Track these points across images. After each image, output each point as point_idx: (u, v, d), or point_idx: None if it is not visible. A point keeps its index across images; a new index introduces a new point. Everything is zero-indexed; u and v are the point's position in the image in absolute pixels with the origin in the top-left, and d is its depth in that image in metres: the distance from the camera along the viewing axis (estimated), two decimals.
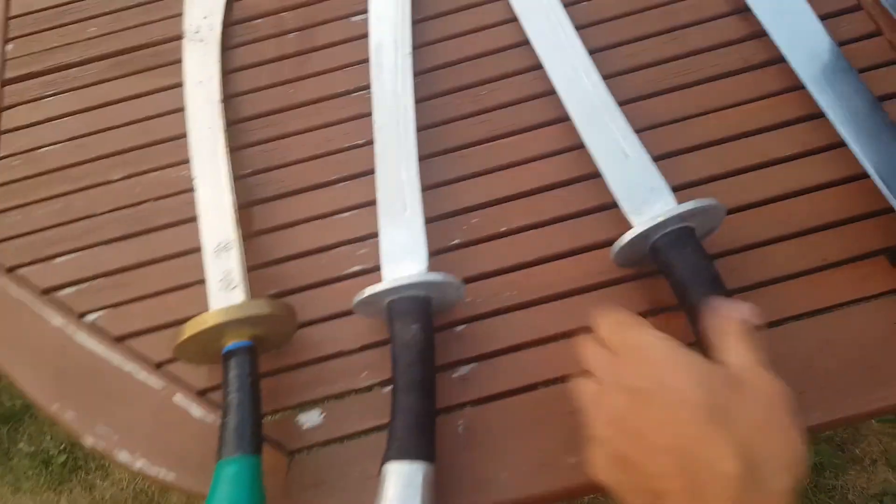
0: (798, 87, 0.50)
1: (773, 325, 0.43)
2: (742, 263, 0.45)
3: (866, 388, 0.40)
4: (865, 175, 0.46)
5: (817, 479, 0.96)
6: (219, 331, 0.40)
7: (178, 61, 0.58)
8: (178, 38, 0.60)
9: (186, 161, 0.52)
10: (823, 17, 0.52)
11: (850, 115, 0.48)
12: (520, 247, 0.47)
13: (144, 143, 0.55)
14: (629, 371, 0.32)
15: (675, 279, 0.41)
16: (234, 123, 0.55)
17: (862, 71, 0.50)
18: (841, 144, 0.47)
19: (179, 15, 0.61)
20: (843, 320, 0.43)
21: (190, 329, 0.40)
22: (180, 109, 0.55)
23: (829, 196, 0.47)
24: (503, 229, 0.48)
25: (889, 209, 0.44)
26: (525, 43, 0.55)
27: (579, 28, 0.53)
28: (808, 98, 0.49)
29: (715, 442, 0.28)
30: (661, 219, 0.40)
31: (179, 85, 0.56)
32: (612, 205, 0.46)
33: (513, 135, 0.52)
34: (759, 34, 0.52)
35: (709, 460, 0.28)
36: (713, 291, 0.39)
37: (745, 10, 0.54)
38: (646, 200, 0.44)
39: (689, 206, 0.41)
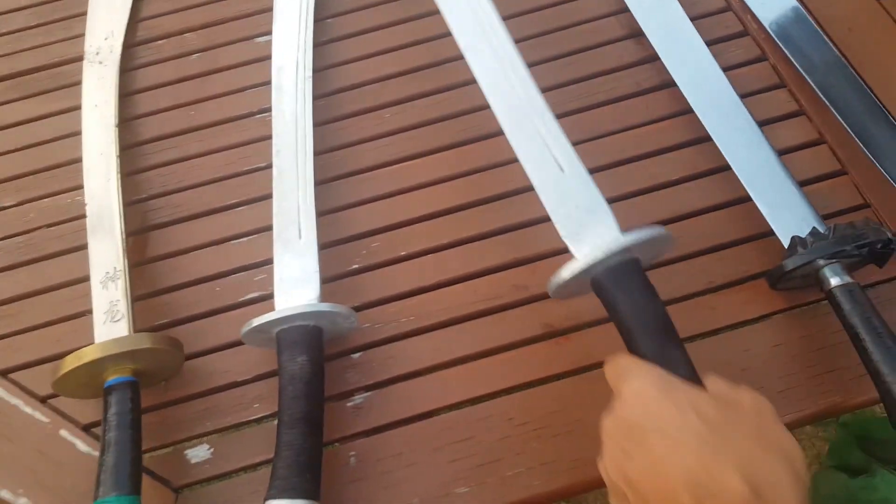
0: (687, 110, 0.51)
1: None
2: None
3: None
4: (748, 198, 0.47)
5: None
6: (98, 366, 0.39)
7: (79, 83, 0.56)
8: (79, 59, 0.58)
9: (81, 187, 0.50)
10: (711, 43, 0.54)
11: (733, 138, 0.50)
12: (418, 271, 0.47)
13: (39, 168, 0.53)
14: (627, 415, 0.31)
15: (621, 323, 0.36)
16: (132, 146, 0.54)
17: (745, 96, 0.52)
18: (726, 168, 0.49)
19: (81, 36, 0.59)
20: (728, 342, 0.44)
21: (67, 364, 0.39)
22: (77, 133, 0.53)
23: (715, 219, 0.48)
24: (402, 253, 0.48)
25: (769, 232, 0.46)
26: (433, 65, 0.55)
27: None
28: (697, 121, 0.50)
29: (719, 466, 0.28)
30: (602, 252, 0.36)
31: (77, 108, 0.55)
32: (510, 228, 0.47)
33: (414, 158, 0.52)
34: (653, 58, 0.54)
35: (717, 486, 0.28)
36: (665, 342, 0.35)
37: (640, 35, 0.55)
38: (584, 224, 0.39)
39: (636, 235, 0.37)
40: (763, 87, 0.53)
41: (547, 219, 0.40)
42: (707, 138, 0.50)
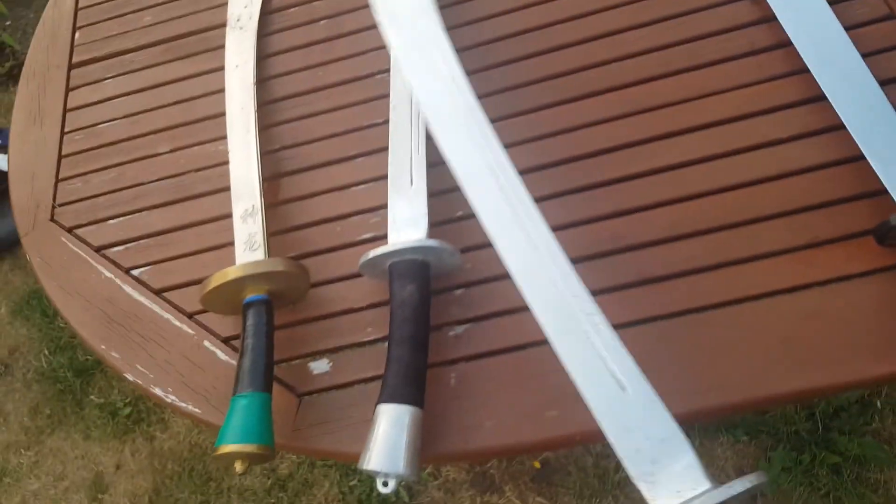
0: (803, 69, 0.50)
1: (759, 297, 0.44)
2: (735, 237, 0.46)
3: (837, 361, 0.41)
4: (861, 156, 0.46)
5: (859, 472, 0.91)
6: (239, 284, 0.45)
7: (222, 47, 0.63)
8: (223, 25, 0.65)
9: (224, 137, 0.57)
10: (837, 1, 0.52)
11: (850, 97, 0.48)
12: None
13: (189, 121, 0.60)
14: None
15: None
16: (267, 104, 0.59)
17: (868, 55, 0.50)
18: (840, 127, 0.47)
19: (224, 4, 0.66)
20: (826, 296, 0.43)
21: (214, 281, 0.44)
22: (221, 91, 0.60)
23: (826, 176, 0.47)
24: None
25: (883, 190, 0.44)
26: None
27: None
28: (812, 81, 0.49)
29: None
30: None
31: (221, 68, 0.61)
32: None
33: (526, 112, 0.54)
34: (769, 18, 0.53)
35: None
36: None
37: None
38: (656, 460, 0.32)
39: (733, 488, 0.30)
40: (888, 46, 0.50)
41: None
42: (822, 97, 0.49)
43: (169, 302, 0.51)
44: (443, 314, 0.46)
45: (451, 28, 0.54)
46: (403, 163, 0.51)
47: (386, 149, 0.53)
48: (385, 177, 0.52)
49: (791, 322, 0.43)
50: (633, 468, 0.32)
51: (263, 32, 0.64)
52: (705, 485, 0.31)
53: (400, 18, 0.53)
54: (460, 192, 0.51)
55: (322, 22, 0.63)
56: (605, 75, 0.54)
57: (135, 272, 0.53)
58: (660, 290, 0.45)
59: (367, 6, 0.62)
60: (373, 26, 0.61)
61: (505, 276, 0.47)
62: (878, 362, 0.41)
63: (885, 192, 0.44)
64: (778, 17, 0.52)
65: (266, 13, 0.65)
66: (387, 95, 0.56)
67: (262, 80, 0.61)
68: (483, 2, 0.60)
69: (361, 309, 0.48)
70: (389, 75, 0.56)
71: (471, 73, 0.49)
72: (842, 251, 0.44)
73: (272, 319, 0.45)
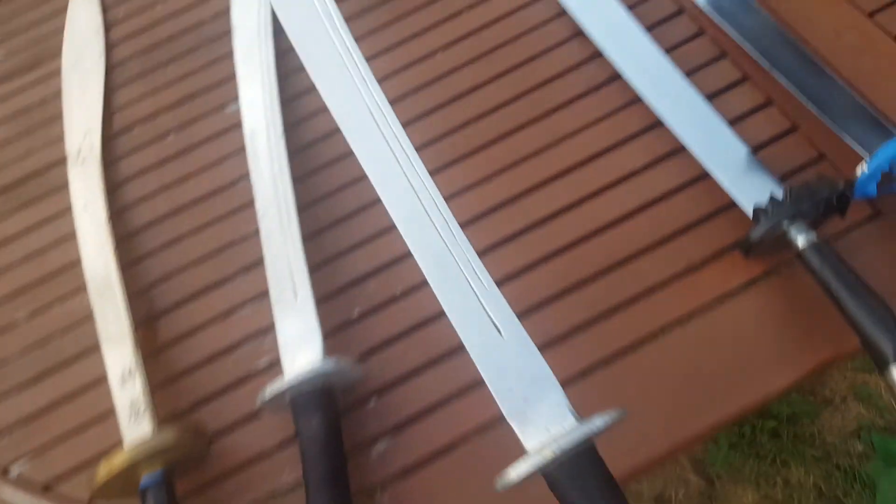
0: (636, 99, 0.46)
1: (657, 335, 0.39)
2: (619, 280, 0.41)
3: (740, 383, 0.38)
4: (707, 174, 0.42)
5: (794, 430, 0.85)
6: (130, 468, 0.35)
7: (66, 185, 0.51)
8: (63, 160, 0.53)
9: (84, 288, 0.46)
10: (650, 28, 0.48)
11: (684, 118, 0.44)
12: (417, 305, 0.43)
13: (43, 276, 0.49)
14: None
15: None
16: (127, 237, 0.49)
17: (690, 73, 0.46)
18: (682, 149, 0.44)
19: (61, 138, 0.54)
20: (717, 320, 0.39)
21: (101, 477, 0.35)
22: (73, 235, 0.49)
23: (683, 199, 0.43)
24: (398, 291, 0.44)
25: (731, 204, 0.41)
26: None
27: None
28: (648, 108, 0.45)
29: None
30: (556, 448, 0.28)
31: (69, 210, 0.50)
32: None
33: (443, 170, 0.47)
34: (596, 55, 0.48)
35: None
36: None
37: (580, 34, 0.49)
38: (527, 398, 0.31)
39: (596, 423, 0.30)
40: (706, 61, 0.47)
41: None
42: (659, 123, 0.45)
43: (60, 497, 0.40)
44: (360, 432, 0.39)
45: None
46: (282, 274, 0.43)
47: (260, 264, 0.45)
48: (267, 292, 0.44)
49: (689, 355, 0.38)
50: (506, 406, 0.31)
51: (109, 159, 0.53)
52: (571, 420, 0.30)
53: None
54: (351, 290, 0.44)
55: (170, 137, 0.53)
56: (460, 141, 0.48)
57: (12, 471, 0.41)
58: (562, 351, 0.40)
59: (214, 110, 0.54)
60: (225, 130, 0.52)
61: (418, 369, 0.41)
62: (780, 373, 0.37)
63: (735, 204, 0.41)
64: (604, 53, 0.48)
65: (109, 138, 0.54)
66: (252, 203, 0.47)
67: (117, 212, 0.50)
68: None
69: (273, 450, 0.39)
70: (251, 180, 0.48)
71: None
72: (716, 271, 0.41)
73: (173, 496, 0.35)
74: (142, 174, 0.52)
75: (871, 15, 0.47)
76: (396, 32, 0.53)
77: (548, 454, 0.28)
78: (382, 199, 0.39)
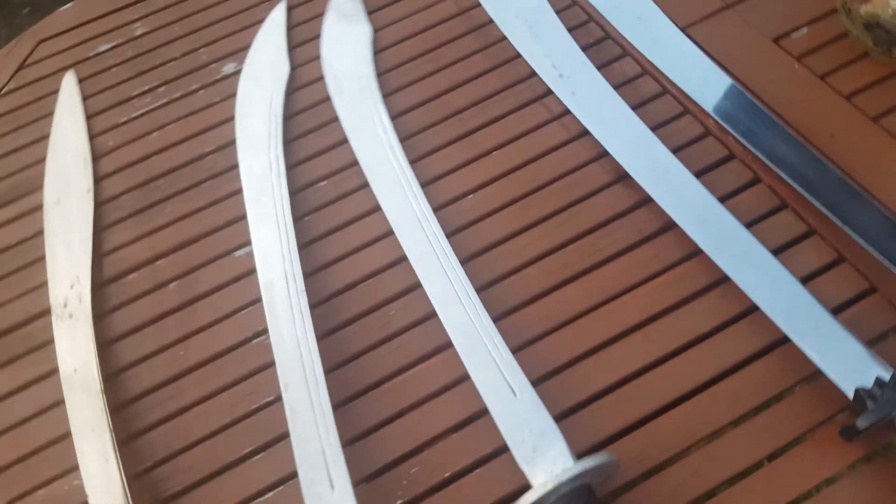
0: (697, 251, 0.48)
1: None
2: (699, 464, 0.41)
3: None
4: (785, 340, 0.44)
5: None
6: None
7: (51, 341, 0.51)
8: (47, 312, 0.52)
9: (77, 467, 0.44)
10: (700, 173, 0.51)
11: (754, 275, 0.46)
12: (470, 492, 0.42)
13: (27, 453, 0.47)
14: None
15: None
16: (124, 405, 0.48)
17: (750, 224, 0.49)
18: (753, 308, 0.45)
19: (44, 284, 0.54)
20: None
21: None
22: (61, 401, 0.47)
23: (756, 370, 0.44)
24: (446, 474, 0.43)
25: (816, 373, 0.42)
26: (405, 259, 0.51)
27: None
28: (709, 261, 0.47)
29: None
30: (555, 482, 0.37)
31: (55, 371, 0.49)
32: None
33: (433, 355, 0.47)
34: (646, 200, 0.51)
35: None
36: None
37: (627, 177, 0.52)
38: (536, 447, 0.40)
39: (587, 463, 0.38)
40: (766, 212, 0.50)
41: None
42: (725, 278, 0.47)
43: None
44: None
45: None
46: (314, 457, 0.42)
47: (287, 435, 0.44)
48: (295, 474, 0.42)
49: None
50: (519, 454, 0.41)
51: (101, 312, 0.52)
52: (570, 462, 0.39)
53: None
54: (391, 473, 0.43)
55: (171, 286, 0.53)
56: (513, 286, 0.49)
57: None
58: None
59: (222, 255, 0.54)
60: (236, 278, 0.53)
61: None
62: None
63: (819, 373, 0.42)
64: (654, 198, 0.51)
65: (99, 286, 0.54)
66: (272, 363, 0.47)
67: (112, 375, 0.49)
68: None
69: None
70: (269, 338, 0.47)
71: None
72: (811, 453, 0.41)
73: None
74: (138, 331, 0.52)
75: None
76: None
77: (548, 486, 0.37)
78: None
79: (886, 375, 0.40)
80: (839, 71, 0.56)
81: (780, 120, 0.53)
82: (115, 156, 0.62)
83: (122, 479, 0.42)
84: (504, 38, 0.61)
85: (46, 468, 0.46)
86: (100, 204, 0.58)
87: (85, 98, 0.66)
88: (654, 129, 0.53)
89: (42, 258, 0.56)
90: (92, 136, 0.63)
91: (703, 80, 0.57)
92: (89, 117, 0.65)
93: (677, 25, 0.60)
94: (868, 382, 0.40)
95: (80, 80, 0.67)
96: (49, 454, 0.47)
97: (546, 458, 0.39)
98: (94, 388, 0.47)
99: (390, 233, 0.52)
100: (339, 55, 0.64)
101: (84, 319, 0.51)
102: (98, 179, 0.60)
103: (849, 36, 0.57)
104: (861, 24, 0.54)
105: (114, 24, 0.71)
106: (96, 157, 0.62)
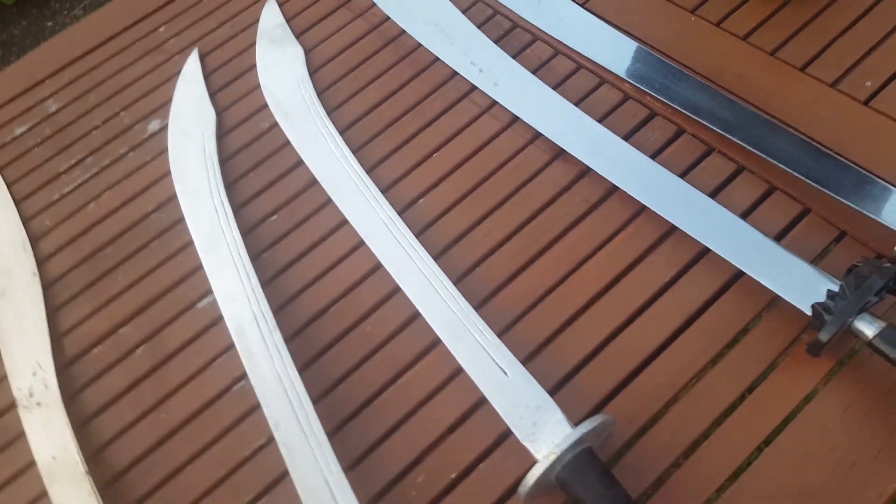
0: (641, 209, 0.50)
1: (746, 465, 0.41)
2: (690, 408, 0.43)
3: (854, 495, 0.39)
4: (741, 274, 0.46)
5: None
6: None
7: (23, 434, 0.48)
8: (12, 406, 0.50)
9: None
10: (628, 135, 0.53)
11: (699, 220, 0.48)
12: (479, 486, 0.42)
13: None
14: None
15: None
16: (112, 482, 0.46)
17: (684, 174, 0.51)
18: (706, 251, 0.47)
19: (3, 378, 0.51)
20: (802, 430, 0.41)
21: None
22: (43, 494, 0.45)
23: (721, 308, 0.46)
24: (453, 475, 0.43)
25: (775, 299, 0.44)
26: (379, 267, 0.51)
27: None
28: (655, 216, 0.49)
29: None
30: (558, 451, 0.38)
31: (32, 465, 0.47)
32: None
33: (415, 362, 0.47)
34: (585, 171, 0.53)
35: None
36: None
37: (563, 153, 0.54)
38: (536, 422, 0.41)
39: (585, 427, 0.39)
40: (696, 159, 0.52)
41: None
42: (673, 228, 0.49)
43: None
44: None
45: None
46: (320, 493, 0.41)
47: (286, 475, 0.43)
48: None
49: (788, 478, 0.40)
50: (520, 432, 0.41)
51: (70, 393, 0.50)
52: (569, 430, 0.40)
53: None
54: (399, 486, 0.43)
55: (139, 350, 0.51)
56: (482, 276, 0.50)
57: None
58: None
59: (186, 309, 0.53)
60: (204, 329, 0.51)
61: None
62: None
63: (780, 298, 0.44)
64: (592, 167, 0.52)
65: (64, 367, 0.51)
66: (257, 406, 0.46)
67: (92, 457, 0.47)
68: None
69: None
70: (250, 381, 0.46)
71: None
72: (786, 376, 0.43)
73: None
74: (113, 403, 0.50)
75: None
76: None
77: (552, 457, 0.38)
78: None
79: (836, 287, 0.42)
80: (731, 16, 0.59)
81: (689, 71, 0.56)
82: (55, 235, 0.59)
83: None
84: (419, 45, 0.62)
85: None
86: (48, 285, 0.56)
87: (10, 184, 0.64)
88: (577, 103, 0.55)
89: None
90: (25, 221, 0.61)
91: (612, 49, 0.59)
92: (18, 202, 0.62)
93: (576, 2, 0.62)
94: (822, 297, 0.42)
95: (1, 168, 0.65)
96: None
97: (546, 431, 0.40)
98: (77, 472, 0.45)
99: (361, 243, 0.52)
100: (278, 79, 0.63)
101: (54, 404, 0.49)
102: (41, 261, 0.58)
103: None
104: None
105: (25, 106, 0.69)
106: (34, 240, 0.59)
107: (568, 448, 0.38)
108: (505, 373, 0.43)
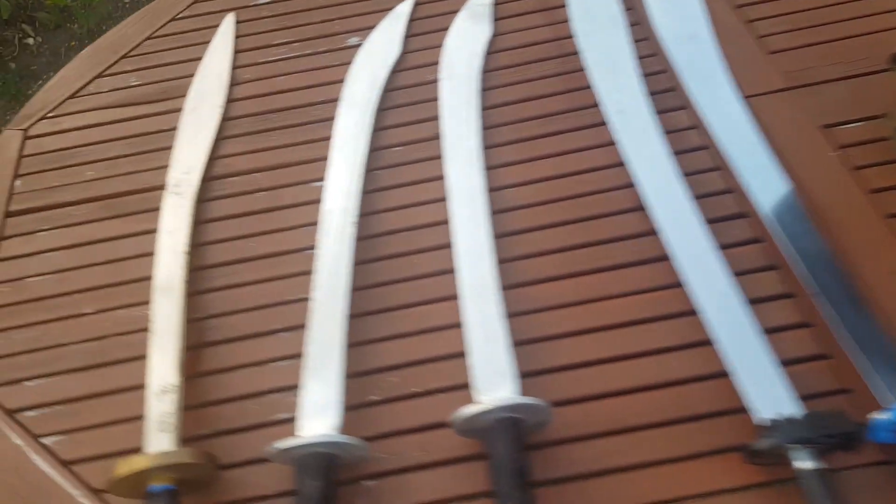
0: (678, 284, 0.58)
1: None
2: (616, 446, 0.51)
3: None
4: (727, 373, 0.52)
5: None
6: (144, 474, 0.46)
7: (158, 208, 0.67)
8: (162, 187, 0.69)
9: (150, 300, 0.60)
10: (711, 221, 0.61)
11: (721, 314, 0.55)
12: (429, 409, 0.54)
13: (117, 282, 0.63)
14: None
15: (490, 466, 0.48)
16: (196, 270, 0.63)
17: (738, 274, 0.58)
18: (708, 342, 0.54)
19: (166, 167, 0.71)
20: None
21: (117, 474, 0.46)
22: (153, 254, 0.64)
23: (697, 389, 0.53)
24: (416, 390, 0.55)
25: (743, 409, 0.50)
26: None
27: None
28: (685, 295, 0.57)
29: None
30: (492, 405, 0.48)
31: (156, 231, 0.65)
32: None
33: (442, 300, 0.60)
34: (652, 231, 0.61)
35: None
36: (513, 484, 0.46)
37: (642, 209, 0.62)
38: (493, 385, 0.51)
39: (524, 399, 0.49)
40: (755, 268, 0.59)
41: None
42: (693, 312, 0.56)
43: (77, 476, 0.52)
44: None
45: None
46: (322, 345, 0.56)
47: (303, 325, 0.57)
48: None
49: None
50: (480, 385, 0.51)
51: (202, 197, 0.68)
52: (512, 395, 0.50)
53: None
54: (376, 375, 0.56)
55: (260, 194, 0.69)
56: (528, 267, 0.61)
57: (45, 440, 0.54)
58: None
59: (303, 182, 0.69)
60: (308, 202, 0.67)
61: (417, 467, 0.51)
62: None
63: (746, 410, 0.50)
64: (659, 231, 0.60)
65: (207, 179, 0.70)
66: (309, 272, 0.61)
67: (196, 246, 0.65)
68: None
69: (272, 497, 0.50)
70: (316, 253, 0.61)
71: None
72: (718, 466, 0.49)
73: None
74: (226, 220, 0.67)
75: None
76: None
77: (489, 406, 0.48)
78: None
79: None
80: (870, 168, 0.64)
81: (793, 183, 0.61)
82: (247, 87, 0.78)
83: (181, 321, 0.57)
84: (583, 68, 0.73)
85: (129, 296, 0.62)
86: (224, 119, 0.75)
87: (237, 37, 0.84)
88: (685, 175, 0.63)
89: (170, 147, 0.73)
90: (234, 67, 0.80)
91: (744, 148, 0.66)
92: (236, 52, 0.82)
93: (740, 93, 0.69)
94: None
95: (238, 23, 0.85)
96: (134, 288, 0.62)
97: (497, 392, 0.50)
98: (180, 248, 0.63)
99: (442, 199, 0.65)
100: (458, 46, 0.78)
101: (188, 198, 0.67)
102: (229, 101, 0.77)
103: (890, 140, 0.64)
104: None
105: None
106: (233, 84, 0.79)
107: (502, 407, 0.48)
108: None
